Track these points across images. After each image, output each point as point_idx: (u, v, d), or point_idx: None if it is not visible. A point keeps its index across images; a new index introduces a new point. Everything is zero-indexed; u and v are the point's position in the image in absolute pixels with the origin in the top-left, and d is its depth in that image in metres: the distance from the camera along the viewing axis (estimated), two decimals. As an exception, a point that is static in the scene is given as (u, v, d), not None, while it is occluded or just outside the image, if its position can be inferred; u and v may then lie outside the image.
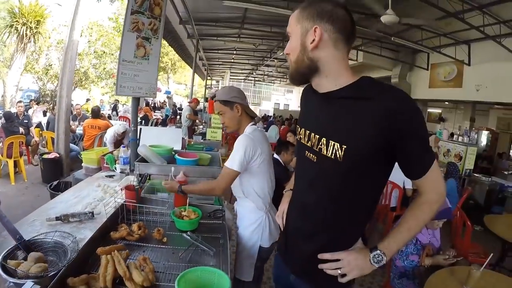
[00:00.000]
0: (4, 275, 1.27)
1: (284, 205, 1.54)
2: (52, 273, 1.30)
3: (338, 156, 1.11)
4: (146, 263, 1.45)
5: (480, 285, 2.05)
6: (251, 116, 2.22)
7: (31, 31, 13.56)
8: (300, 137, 1.34)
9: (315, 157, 1.22)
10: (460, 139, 7.29)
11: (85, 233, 1.87)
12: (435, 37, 8.76)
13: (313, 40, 1.11)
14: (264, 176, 2.12)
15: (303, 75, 1.20)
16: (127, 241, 1.73)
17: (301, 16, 1.15)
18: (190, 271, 1.38)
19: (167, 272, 1.52)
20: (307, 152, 1.27)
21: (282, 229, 1.52)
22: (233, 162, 1.96)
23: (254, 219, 2.14)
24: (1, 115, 7.68)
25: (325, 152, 1.16)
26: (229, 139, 7.90)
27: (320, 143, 1.18)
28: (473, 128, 9.54)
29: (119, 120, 11.62)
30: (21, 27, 13.31)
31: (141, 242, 1.77)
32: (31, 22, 13.48)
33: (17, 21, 13.36)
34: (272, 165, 2.23)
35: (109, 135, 5.57)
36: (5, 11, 15.33)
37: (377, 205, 1.26)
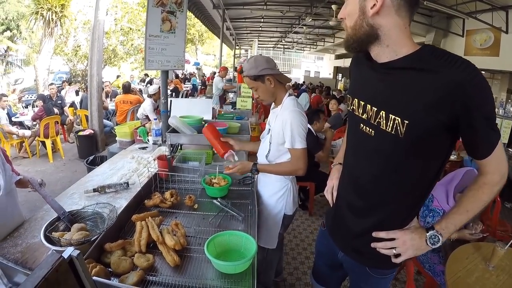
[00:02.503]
0: (47, 244, 1.38)
1: (333, 181, 1.49)
2: (92, 238, 1.41)
3: (399, 131, 1.05)
4: (178, 228, 1.53)
5: (503, 263, 1.99)
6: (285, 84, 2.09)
7: (57, 15, 13.76)
8: (353, 108, 1.25)
9: (373, 131, 1.15)
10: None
11: (121, 202, 1.99)
12: (471, 1, 8.17)
13: (374, 5, 1.01)
14: None
15: (361, 42, 1.10)
16: (160, 208, 1.82)
17: None
18: (218, 235, 1.45)
19: (198, 236, 1.60)
20: (362, 125, 1.20)
21: (331, 205, 1.48)
22: (297, 142, 1.90)
23: (279, 187, 2.11)
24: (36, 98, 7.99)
25: (384, 126, 1.10)
26: (260, 108, 7.89)
27: (379, 116, 1.11)
28: (510, 100, 8.99)
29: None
30: (47, 13, 13.53)
31: (173, 209, 1.86)
32: (55, 7, 13.67)
33: (42, 7, 13.57)
34: None
35: (147, 106, 5.88)
36: None
37: (434, 185, 1.19)
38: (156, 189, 2.04)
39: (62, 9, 14.01)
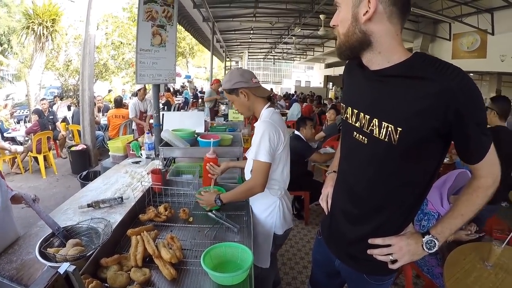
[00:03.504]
0: (43, 260, 1.37)
1: (328, 189, 1.49)
2: (87, 254, 1.40)
3: (392, 139, 1.05)
4: (174, 241, 1.52)
5: (501, 261, 2.00)
6: (266, 97, 2.03)
7: (48, 30, 13.73)
8: (347, 116, 1.25)
9: (366, 139, 1.15)
10: (485, 111, 6.91)
11: (115, 217, 1.98)
12: (456, 5, 8.35)
13: (366, 12, 1.02)
14: (282, 162, 1.99)
15: (353, 49, 1.10)
16: (155, 222, 1.81)
17: None
18: (214, 247, 1.45)
19: (194, 249, 1.60)
20: (355, 133, 1.20)
21: (326, 213, 1.48)
22: (261, 154, 1.82)
23: (267, 204, 2.03)
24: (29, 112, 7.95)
25: (377, 134, 1.10)
26: (252, 119, 7.91)
27: (372, 124, 1.11)
28: None
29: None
30: (38, 27, 13.50)
31: (168, 222, 1.85)
32: (46, 22, 13.65)
33: (32, 22, 13.55)
34: (289, 149, 2.07)
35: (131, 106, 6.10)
36: (20, 13, 15.73)
37: (429, 189, 1.19)
38: (150, 203, 2.03)
39: (53, 23, 13.99)
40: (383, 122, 1.08)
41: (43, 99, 8.75)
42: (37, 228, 1.84)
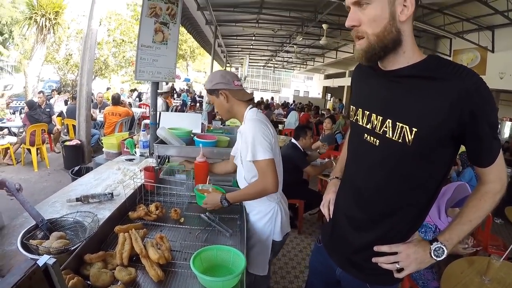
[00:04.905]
0: (24, 252, 1.30)
1: (330, 195, 1.45)
2: (71, 248, 1.33)
3: (407, 139, 1.04)
4: (163, 241, 1.46)
5: (499, 276, 2.00)
6: (246, 101, 1.96)
7: (50, 22, 13.81)
8: (357, 118, 1.23)
9: (378, 141, 1.13)
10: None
11: (104, 213, 1.90)
12: (458, 22, 8.45)
13: (403, 10, 1.00)
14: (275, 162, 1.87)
15: (386, 49, 1.04)
16: (144, 221, 1.74)
17: None
18: (205, 249, 1.39)
19: (183, 251, 1.53)
20: (366, 135, 1.18)
21: (328, 219, 1.44)
22: (260, 153, 1.74)
23: (265, 211, 1.95)
24: (25, 104, 7.91)
25: (390, 135, 1.08)
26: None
27: (385, 125, 1.10)
28: (499, 117, 9.30)
29: (139, 107, 11.80)
30: (40, 19, 13.58)
31: (159, 222, 1.78)
32: (49, 14, 13.73)
33: (36, 13, 13.64)
34: (279, 149, 1.99)
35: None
36: (23, 4, 15.74)
37: (437, 196, 1.17)
38: (141, 201, 1.97)
39: (56, 16, 14.07)
40: (397, 123, 1.06)
41: (40, 92, 8.72)
42: (22, 219, 1.76)
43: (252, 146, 1.75)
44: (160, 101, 6.45)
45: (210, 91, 1.94)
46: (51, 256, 1.13)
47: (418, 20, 8.07)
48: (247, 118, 1.90)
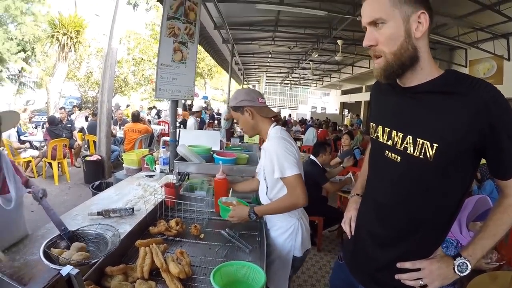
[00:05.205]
0: (46, 262, 1.33)
1: (351, 212, 1.43)
2: (92, 261, 1.36)
3: (428, 155, 1.04)
4: (183, 256, 1.47)
5: None
6: (271, 117, 2.00)
7: (72, 41, 14.28)
8: (377, 135, 1.23)
9: (399, 157, 1.13)
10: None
11: (125, 227, 1.93)
12: (472, 31, 8.37)
13: (418, 27, 1.01)
14: None
15: (404, 67, 1.05)
16: (165, 236, 1.77)
17: (396, 0, 1.01)
18: (225, 265, 1.39)
19: (203, 266, 1.54)
20: (387, 151, 1.18)
21: (349, 237, 1.42)
22: (288, 169, 1.75)
23: (285, 227, 1.95)
24: (46, 120, 8.15)
25: (412, 151, 1.08)
26: (266, 142, 7.88)
27: (406, 141, 1.10)
28: None
29: (159, 124, 12.00)
30: (62, 37, 14.05)
31: (179, 237, 1.80)
32: (71, 32, 14.21)
33: (58, 31, 14.14)
34: (301, 165, 1.97)
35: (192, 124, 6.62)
36: (46, 23, 16.47)
37: (459, 210, 1.16)
38: (161, 216, 1.99)
39: (77, 35, 14.53)
40: (418, 139, 1.06)
41: (62, 107, 8.99)
42: (44, 231, 1.81)
43: (278, 163, 1.77)
44: (192, 120, 6.62)
45: (235, 108, 1.97)
46: (74, 267, 1.16)
47: (432, 32, 7.97)
48: (270, 136, 1.92)
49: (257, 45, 12.26)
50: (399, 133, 1.12)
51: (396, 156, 1.14)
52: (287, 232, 1.95)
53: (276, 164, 1.78)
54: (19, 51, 18.82)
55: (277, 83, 31.99)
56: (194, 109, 6.92)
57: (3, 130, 1.86)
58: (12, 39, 18.40)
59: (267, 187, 1.97)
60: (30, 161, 6.36)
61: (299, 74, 22.11)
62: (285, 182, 1.81)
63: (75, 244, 1.47)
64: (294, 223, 1.95)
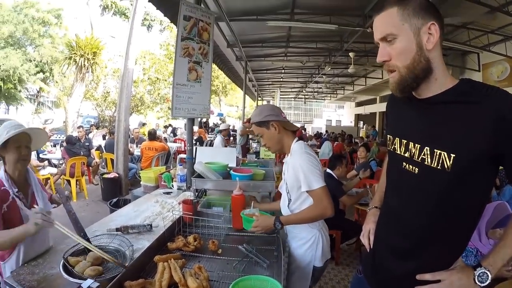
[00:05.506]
0: (65, 275, 1.40)
1: (370, 224, 1.43)
2: (106, 277, 1.41)
3: (446, 166, 1.03)
4: (201, 271, 1.49)
5: None
6: (293, 131, 2.08)
7: (89, 62, 14.78)
8: (394, 147, 1.24)
9: (417, 169, 1.13)
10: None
11: (143, 243, 1.97)
12: (483, 35, 8.29)
13: (429, 38, 1.02)
14: None
15: (418, 80, 1.07)
16: (183, 252, 1.79)
17: (405, 14, 1.03)
18: (243, 279, 1.40)
19: (221, 281, 1.55)
20: (405, 163, 1.18)
21: (368, 250, 1.42)
22: (314, 182, 1.81)
23: (307, 238, 2.01)
24: (64, 138, 8.38)
25: (429, 162, 1.08)
26: (283, 158, 7.87)
27: (423, 152, 1.10)
28: None
29: (175, 142, 12.16)
30: (79, 59, 14.56)
31: (197, 253, 1.82)
32: (88, 54, 14.71)
33: (75, 53, 14.67)
34: None
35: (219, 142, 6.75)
36: (63, 45, 17.25)
37: (479, 220, 1.15)
38: (179, 232, 2.02)
39: (94, 56, 15.02)
40: (435, 150, 1.06)
41: (80, 126, 9.23)
42: (63, 246, 1.87)
43: (305, 177, 1.83)
44: (219, 138, 6.78)
45: (260, 124, 2.02)
46: (95, 280, 1.20)
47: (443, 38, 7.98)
48: (294, 150, 1.99)
49: (270, 61, 12.38)
50: (416, 145, 1.13)
51: (413, 167, 1.14)
52: (308, 242, 2.00)
53: (303, 178, 1.84)
54: (38, 72, 19.57)
55: (291, 98, 32.12)
56: (222, 127, 7.10)
57: (33, 149, 1.98)
58: (30, 60, 19.18)
59: (289, 200, 2.03)
60: (48, 178, 6.51)
61: (313, 88, 22.15)
62: (312, 195, 1.86)
63: (90, 254, 1.54)
64: (315, 233, 2.00)
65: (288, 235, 2.10)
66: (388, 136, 1.29)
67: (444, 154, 1.04)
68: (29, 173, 1.98)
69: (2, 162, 1.88)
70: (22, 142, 1.85)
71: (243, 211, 2.05)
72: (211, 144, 12.55)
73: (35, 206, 1.79)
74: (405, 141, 1.18)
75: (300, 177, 1.86)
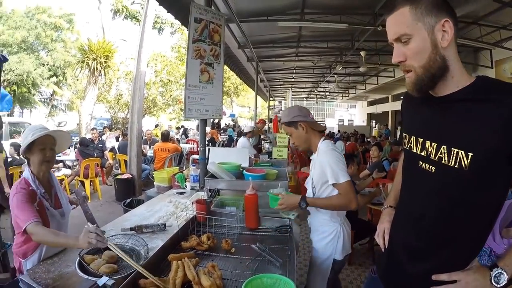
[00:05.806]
0: (80, 273, 1.44)
1: (385, 224, 1.43)
2: (121, 275, 1.44)
3: (463, 165, 1.02)
4: (215, 269, 1.51)
5: None
6: (320, 131, 2.18)
7: (101, 65, 14.98)
8: (410, 146, 1.23)
9: (434, 168, 1.12)
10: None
11: (157, 242, 2.00)
12: (495, 31, 8.11)
13: (443, 36, 1.01)
14: None
15: (434, 79, 1.06)
16: (196, 251, 1.81)
17: (418, 13, 1.02)
18: (256, 277, 1.41)
19: (234, 279, 1.57)
20: (421, 162, 1.17)
21: (383, 249, 1.41)
22: (341, 176, 1.94)
23: (328, 231, 2.12)
24: (78, 140, 8.51)
25: (446, 161, 1.07)
26: (295, 158, 7.88)
27: (440, 151, 1.09)
28: None
29: (187, 143, 12.26)
30: (92, 62, 14.76)
31: (210, 251, 1.85)
32: (100, 57, 14.91)
33: (87, 57, 14.88)
34: None
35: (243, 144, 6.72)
36: (76, 49, 17.59)
37: (496, 219, 1.13)
38: (193, 232, 2.05)
39: (106, 59, 15.21)
40: (452, 149, 1.05)
41: (93, 128, 9.38)
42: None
43: (332, 171, 1.96)
44: (243, 139, 6.85)
45: (289, 124, 2.15)
46: (110, 277, 1.24)
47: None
48: (321, 148, 2.10)
49: (281, 62, 12.35)
50: (433, 143, 1.12)
51: (430, 166, 1.13)
52: (330, 236, 2.11)
53: (331, 172, 1.96)
54: (51, 76, 19.99)
55: (303, 97, 31.93)
56: (246, 130, 7.17)
57: (58, 151, 2.05)
58: (43, 65, 19.58)
59: (313, 194, 2.14)
60: (63, 180, 6.63)
61: (324, 87, 22.02)
62: (339, 188, 1.98)
63: (106, 252, 1.59)
64: (336, 227, 2.13)
65: (311, 229, 2.25)
66: (404, 134, 1.28)
67: (461, 152, 1.02)
68: (51, 174, 2.06)
69: (27, 163, 1.94)
70: (47, 145, 1.92)
71: (271, 190, 2.15)
72: (223, 145, 12.63)
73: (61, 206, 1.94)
74: (421, 139, 1.17)
75: (327, 171, 1.97)
